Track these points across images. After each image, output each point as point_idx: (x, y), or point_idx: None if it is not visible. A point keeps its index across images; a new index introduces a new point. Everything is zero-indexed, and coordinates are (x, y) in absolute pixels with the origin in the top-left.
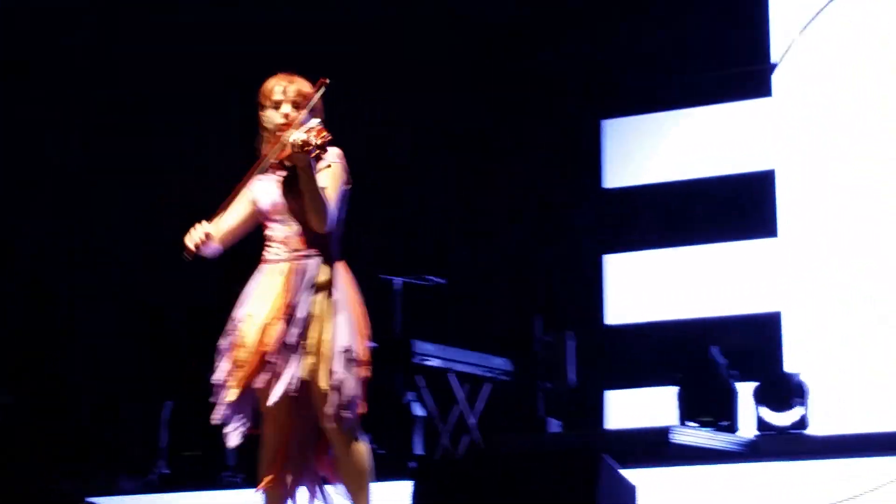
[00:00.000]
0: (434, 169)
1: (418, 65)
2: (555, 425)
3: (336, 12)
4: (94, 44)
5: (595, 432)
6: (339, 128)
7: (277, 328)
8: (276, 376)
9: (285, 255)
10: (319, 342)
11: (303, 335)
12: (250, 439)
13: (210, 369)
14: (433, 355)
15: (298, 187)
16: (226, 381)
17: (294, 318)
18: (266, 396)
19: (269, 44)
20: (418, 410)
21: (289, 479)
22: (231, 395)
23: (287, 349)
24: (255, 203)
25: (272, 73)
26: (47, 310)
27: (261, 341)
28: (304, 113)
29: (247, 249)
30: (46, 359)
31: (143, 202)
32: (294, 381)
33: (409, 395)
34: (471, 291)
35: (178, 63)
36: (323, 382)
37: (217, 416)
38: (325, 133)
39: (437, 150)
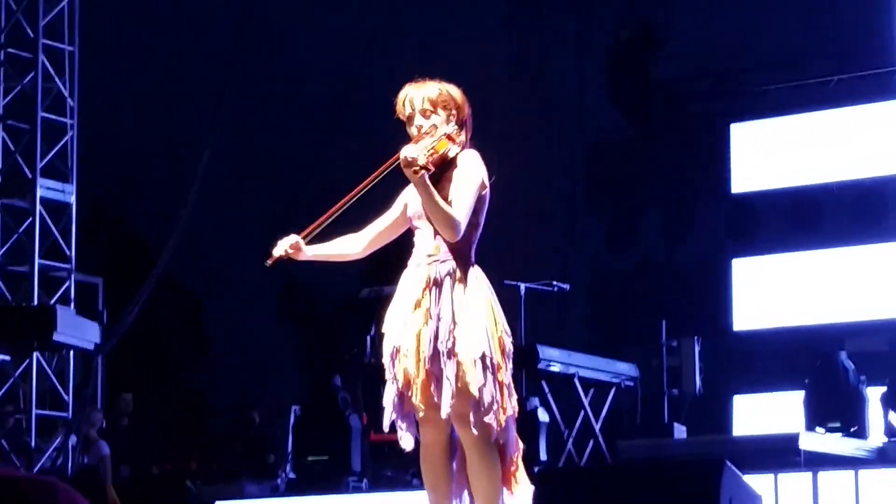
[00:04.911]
0: (563, 175)
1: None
2: (680, 431)
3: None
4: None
5: (721, 439)
6: (475, 132)
7: (428, 336)
8: (438, 383)
9: (424, 261)
10: (457, 350)
11: (451, 342)
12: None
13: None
14: (558, 361)
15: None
16: (400, 392)
17: (441, 324)
18: (431, 405)
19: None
20: (543, 416)
21: (455, 480)
22: (418, 408)
23: (442, 357)
24: (406, 207)
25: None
26: (185, 315)
27: (417, 350)
28: (429, 133)
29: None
30: (182, 364)
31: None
32: (453, 389)
33: (534, 401)
34: (597, 296)
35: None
36: (459, 389)
37: (386, 425)
38: (444, 147)
39: (568, 158)
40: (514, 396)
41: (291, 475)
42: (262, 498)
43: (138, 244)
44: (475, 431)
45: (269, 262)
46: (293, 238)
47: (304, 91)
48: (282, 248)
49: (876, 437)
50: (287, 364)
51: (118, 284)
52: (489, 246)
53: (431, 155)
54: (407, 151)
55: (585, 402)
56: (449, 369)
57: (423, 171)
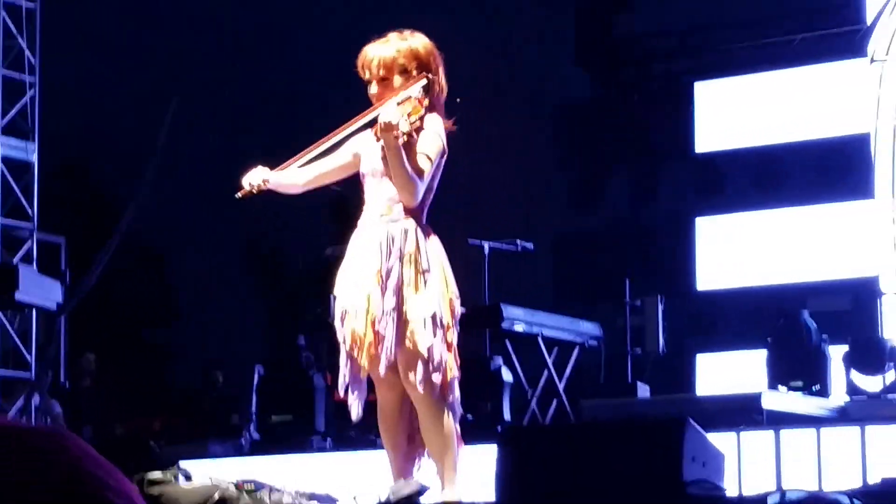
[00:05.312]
0: (528, 136)
1: (516, 35)
2: (644, 390)
3: None
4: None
5: (684, 398)
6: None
7: (378, 297)
8: (382, 344)
9: (378, 220)
10: (407, 308)
11: (397, 302)
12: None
13: (305, 330)
14: (522, 320)
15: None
16: (348, 354)
17: (389, 283)
18: (375, 364)
19: None
20: (507, 375)
21: (414, 440)
22: (363, 365)
23: (386, 316)
24: (357, 158)
25: None
26: (150, 276)
27: (368, 310)
28: (398, 94)
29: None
30: (146, 324)
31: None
32: (392, 347)
33: (498, 360)
34: (561, 257)
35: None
36: (408, 348)
37: (341, 389)
38: (416, 116)
39: (532, 117)
40: (458, 360)
41: (255, 435)
42: (226, 457)
43: (102, 204)
44: (422, 390)
45: (240, 194)
46: (263, 172)
47: (304, 91)
48: (252, 180)
49: (838, 395)
50: (251, 324)
51: (82, 244)
52: (454, 205)
53: (413, 123)
54: (387, 115)
55: (549, 361)
56: (394, 328)
57: (402, 137)
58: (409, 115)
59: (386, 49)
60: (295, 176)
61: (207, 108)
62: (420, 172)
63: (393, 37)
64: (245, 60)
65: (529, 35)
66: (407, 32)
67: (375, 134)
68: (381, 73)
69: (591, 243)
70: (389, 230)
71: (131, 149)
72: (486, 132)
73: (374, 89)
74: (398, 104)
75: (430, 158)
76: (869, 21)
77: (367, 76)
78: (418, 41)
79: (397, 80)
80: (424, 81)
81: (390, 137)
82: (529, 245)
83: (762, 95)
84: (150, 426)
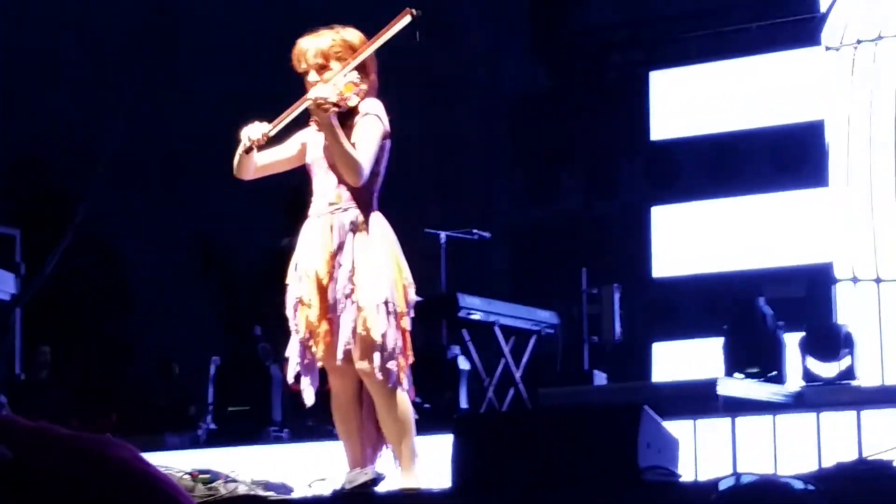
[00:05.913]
0: (483, 127)
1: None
2: (600, 378)
3: None
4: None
5: (641, 385)
6: (393, 82)
7: (331, 285)
8: (338, 332)
9: (326, 209)
10: (360, 296)
11: (352, 289)
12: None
13: (260, 322)
14: (478, 309)
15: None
16: (302, 343)
17: (341, 271)
18: (331, 353)
19: None
20: (464, 364)
21: (369, 430)
22: (318, 352)
23: (341, 303)
24: (304, 148)
25: None
26: (105, 267)
27: (322, 298)
28: (344, 66)
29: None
30: (101, 316)
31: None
32: (349, 334)
33: (455, 350)
34: (518, 246)
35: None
36: (362, 336)
37: (290, 376)
38: (349, 91)
39: (488, 109)
40: (412, 348)
41: (212, 426)
42: (183, 450)
43: (57, 197)
44: (379, 377)
45: (241, 150)
46: (262, 127)
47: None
48: (252, 135)
49: (793, 381)
50: (207, 315)
51: (37, 237)
52: (410, 195)
53: (340, 96)
54: (317, 92)
55: (506, 350)
56: (349, 316)
57: (333, 110)
58: (341, 92)
59: (321, 40)
60: (256, 157)
61: (161, 99)
62: (362, 151)
63: (324, 31)
64: (201, 52)
65: (484, 26)
66: (338, 26)
67: (314, 120)
68: (319, 61)
69: (548, 233)
70: (339, 218)
71: (87, 142)
72: (441, 123)
73: (313, 77)
74: (333, 85)
75: (370, 138)
76: (823, 9)
77: (302, 67)
78: (351, 33)
79: (335, 66)
80: (409, 18)
81: (323, 114)
82: (486, 234)
83: (717, 84)
84: (106, 419)
